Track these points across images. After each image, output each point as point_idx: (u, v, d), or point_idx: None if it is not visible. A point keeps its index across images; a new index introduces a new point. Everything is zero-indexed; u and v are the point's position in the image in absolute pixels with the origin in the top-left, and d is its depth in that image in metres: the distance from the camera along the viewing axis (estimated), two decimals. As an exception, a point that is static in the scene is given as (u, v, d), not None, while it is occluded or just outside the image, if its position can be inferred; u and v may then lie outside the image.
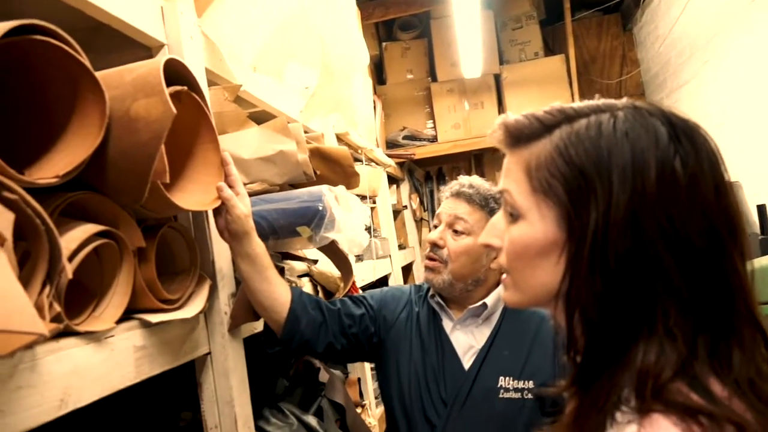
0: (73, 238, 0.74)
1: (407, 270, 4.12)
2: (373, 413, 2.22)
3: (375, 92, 4.15)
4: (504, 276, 0.70)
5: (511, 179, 0.66)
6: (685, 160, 0.56)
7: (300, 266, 1.52)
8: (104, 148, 0.79)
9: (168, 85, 0.82)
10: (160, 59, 0.84)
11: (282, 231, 1.25)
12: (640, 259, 0.56)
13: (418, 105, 4.57)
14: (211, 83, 1.21)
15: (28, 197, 0.62)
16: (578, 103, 0.64)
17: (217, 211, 1.09)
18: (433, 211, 4.54)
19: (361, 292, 1.56)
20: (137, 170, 0.81)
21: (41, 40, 0.68)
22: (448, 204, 1.39)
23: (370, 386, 2.31)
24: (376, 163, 3.04)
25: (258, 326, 1.29)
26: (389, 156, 3.63)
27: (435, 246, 1.37)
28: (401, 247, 3.72)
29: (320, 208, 1.21)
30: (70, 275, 0.68)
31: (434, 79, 4.57)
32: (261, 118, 1.46)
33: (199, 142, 1.02)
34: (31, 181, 0.67)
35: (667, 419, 0.51)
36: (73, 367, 0.73)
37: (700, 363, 0.54)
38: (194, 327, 1.06)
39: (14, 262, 0.59)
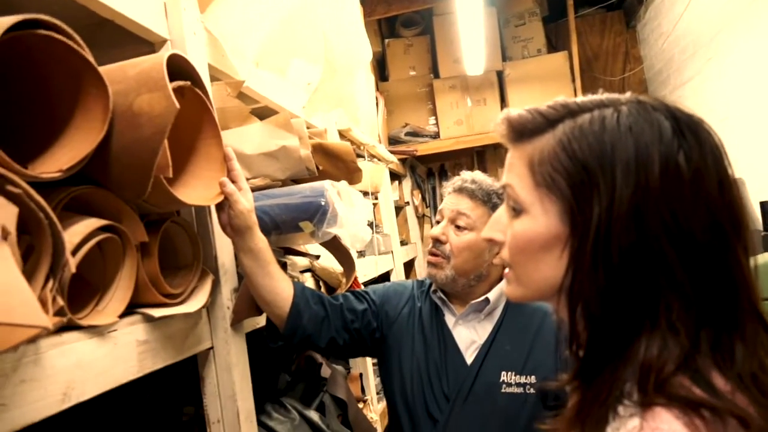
0: (77, 232, 0.74)
1: (409, 266, 4.12)
2: (375, 408, 2.23)
3: (377, 89, 4.15)
4: (506, 270, 0.70)
5: (514, 174, 0.66)
6: (688, 155, 0.56)
7: (302, 261, 1.52)
8: (107, 142, 0.79)
9: (171, 80, 0.82)
10: (163, 54, 0.84)
11: (284, 226, 1.25)
12: (643, 254, 0.55)
13: (421, 101, 4.57)
14: (213, 79, 1.21)
15: (32, 191, 0.62)
16: (581, 98, 0.64)
17: (219, 206, 1.09)
18: (435, 208, 4.54)
19: (363, 287, 1.56)
20: (140, 165, 0.81)
21: (45, 35, 0.68)
22: (450, 199, 1.39)
23: (372, 381, 2.31)
24: (379, 160, 3.04)
25: (260, 321, 1.29)
26: (391, 152, 3.63)
27: (437, 241, 1.37)
28: (403, 243, 3.72)
29: (323, 203, 1.21)
30: (73, 269, 0.68)
31: (437, 75, 4.56)
32: (263, 113, 1.46)
33: (202, 138, 1.02)
34: (34, 175, 0.67)
35: (670, 413, 0.51)
36: (77, 361, 0.74)
37: (702, 357, 0.54)
38: (197, 322, 1.06)
39: (18, 256, 0.59)
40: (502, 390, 1.28)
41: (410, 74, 4.64)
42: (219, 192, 1.04)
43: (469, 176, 1.39)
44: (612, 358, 0.58)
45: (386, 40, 4.65)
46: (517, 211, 0.65)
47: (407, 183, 4.30)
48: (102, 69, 0.76)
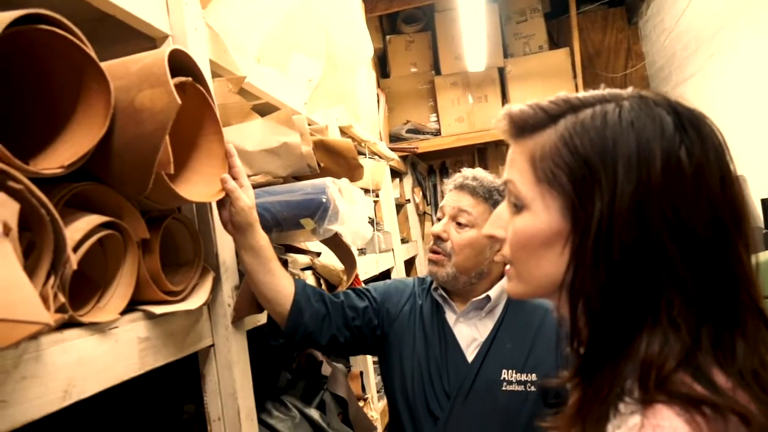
0: (78, 228, 0.74)
1: (410, 264, 4.12)
2: (376, 407, 2.23)
3: (378, 85, 4.14)
4: (507, 267, 0.69)
5: (516, 169, 0.65)
6: (690, 150, 0.56)
7: (303, 259, 1.52)
8: (109, 138, 0.79)
9: (172, 76, 0.82)
10: (165, 50, 0.84)
11: (286, 223, 1.25)
12: (644, 250, 0.55)
13: (422, 98, 4.56)
14: (215, 75, 1.21)
15: (33, 187, 0.62)
16: (583, 93, 0.63)
17: (220, 203, 1.09)
18: (436, 205, 4.54)
19: (363, 285, 1.56)
20: (142, 161, 0.81)
21: (46, 30, 0.68)
22: (451, 196, 1.38)
23: (373, 379, 2.32)
24: (380, 157, 3.04)
25: (261, 318, 1.29)
26: (392, 149, 3.63)
27: (438, 239, 1.37)
28: (404, 240, 3.72)
29: (324, 200, 1.21)
30: (74, 266, 0.68)
31: (438, 72, 4.56)
32: (265, 110, 1.46)
33: (204, 134, 1.02)
34: (36, 171, 0.67)
35: (671, 410, 0.51)
36: (77, 358, 0.74)
37: (703, 354, 0.54)
38: (198, 319, 1.07)
39: (19, 252, 0.59)
40: (503, 388, 1.28)
41: (411, 71, 4.63)
42: (220, 189, 1.03)
43: (470, 173, 1.39)
44: (613, 354, 0.57)
45: (387, 37, 4.64)
46: (518, 207, 0.65)
47: (408, 180, 4.30)
48: (104, 64, 0.76)
